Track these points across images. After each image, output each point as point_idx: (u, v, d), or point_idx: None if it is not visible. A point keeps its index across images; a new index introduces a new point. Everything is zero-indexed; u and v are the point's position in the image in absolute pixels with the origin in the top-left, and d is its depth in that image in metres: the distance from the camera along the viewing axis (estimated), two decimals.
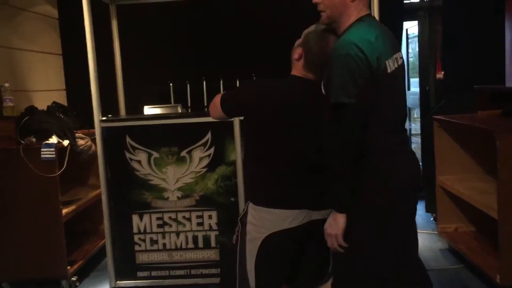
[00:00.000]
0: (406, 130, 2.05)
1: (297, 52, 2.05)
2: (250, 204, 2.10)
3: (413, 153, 2.01)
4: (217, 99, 2.17)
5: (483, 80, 3.72)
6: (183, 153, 3.10)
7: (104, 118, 3.15)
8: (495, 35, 4.10)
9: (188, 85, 4.00)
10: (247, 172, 2.16)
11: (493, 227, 2.88)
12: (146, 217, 3.18)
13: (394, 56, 1.88)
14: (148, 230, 3.19)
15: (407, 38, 5.49)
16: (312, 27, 2.04)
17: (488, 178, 3.50)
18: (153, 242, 3.20)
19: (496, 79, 3.96)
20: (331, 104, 1.75)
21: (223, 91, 3.80)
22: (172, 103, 3.96)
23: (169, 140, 3.10)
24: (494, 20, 4.13)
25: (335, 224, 1.81)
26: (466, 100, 3.69)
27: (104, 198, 3.17)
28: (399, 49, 1.97)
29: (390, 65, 1.84)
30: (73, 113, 3.58)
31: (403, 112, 1.98)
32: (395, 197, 1.85)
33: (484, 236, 3.50)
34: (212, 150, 3.10)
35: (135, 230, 3.19)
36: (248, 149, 2.18)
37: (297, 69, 2.07)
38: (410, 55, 5.71)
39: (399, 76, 1.92)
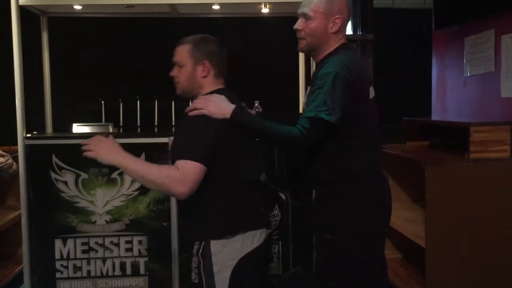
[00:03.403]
0: None
1: (200, 70, 1.92)
2: (211, 241, 1.92)
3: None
4: (183, 168, 1.77)
5: (411, 112, 3.89)
6: (114, 175, 2.96)
7: (28, 135, 2.95)
8: (423, 70, 4.34)
9: (121, 104, 3.87)
10: (196, 208, 1.93)
11: (419, 254, 2.98)
12: (70, 242, 2.98)
13: (371, 85, 1.97)
14: (72, 256, 2.99)
15: None
16: (189, 41, 1.95)
17: (415, 207, 3.63)
18: (77, 269, 3.00)
19: (423, 111, 4.17)
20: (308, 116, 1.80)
21: (158, 111, 3.71)
22: (103, 121, 3.81)
23: None
24: (422, 56, 4.38)
25: (220, 108, 1.82)
26: (395, 131, 3.84)
27: (24, 220, 2.94)
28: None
29: (371, 92, 1.94)
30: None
31: (380, 139, 2.06)
32: (385, 219, 2.01)
33: (410, 263, 3.61)
34: None
35: (57, 256, 2.98)
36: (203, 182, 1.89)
37: (211, 83, 1.95)
38: None
39: (375, 105, 2.01)
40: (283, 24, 3.82)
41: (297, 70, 3.52)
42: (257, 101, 3.22)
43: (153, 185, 1.81)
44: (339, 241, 1.91)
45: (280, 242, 3.11)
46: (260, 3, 3.14)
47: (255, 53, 4.10)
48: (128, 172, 1.82)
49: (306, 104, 1.90)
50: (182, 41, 1.95)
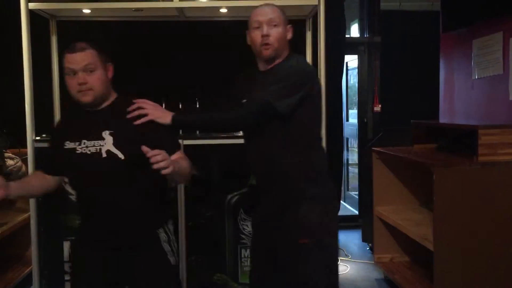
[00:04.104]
0: None
1: (110, 74, 1.93)
2: None
3: None
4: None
5: (418, 115, 3.88)
6: None
7: (38, 138, 2.97)
8: (431, 72, 4.33)
9: None
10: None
11: (427, 257, 2.97)
12: None
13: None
14: None
15: (347, 71, 5.67)
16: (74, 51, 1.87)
17: (423, 209, 3.62)
18: None
19: (431, 114, 4.16)
20: (263, 99, 1.92)
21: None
22: None
23: None
24: (430, 59, 4.36)
25: (163, 115, 1.87)
26: (402, 133, 3.83)
27: (33, 222, 2.96)
28: None
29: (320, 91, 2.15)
30: (2, 131, 3.36)
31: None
32: (335, 213, 2.18)
33: (418, 266, 3.59)
34: None
35: (66, 258, 3.00)
36: None
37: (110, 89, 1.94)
38: (349, 88, 5.90)
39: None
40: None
41: None
42: None
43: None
44: (317, 243, 1.96)
45: None
46: None
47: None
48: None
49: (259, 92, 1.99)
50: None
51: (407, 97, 4.84)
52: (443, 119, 4.05)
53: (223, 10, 3.15)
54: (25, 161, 3.15)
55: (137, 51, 3.99)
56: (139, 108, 1.85)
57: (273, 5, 2.08)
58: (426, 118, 3.90)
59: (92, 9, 3.09)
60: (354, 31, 5.54)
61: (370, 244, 4.29)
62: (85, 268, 1.92)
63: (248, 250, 3.08)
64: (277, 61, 2.06)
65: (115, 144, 1.81)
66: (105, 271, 1.89)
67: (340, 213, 5.04)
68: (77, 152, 1.83)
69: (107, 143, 1.81)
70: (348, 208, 5.61)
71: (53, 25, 3.31)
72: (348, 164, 5.95)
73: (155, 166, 1.61)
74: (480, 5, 3.41)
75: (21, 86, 2.90)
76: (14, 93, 3.12)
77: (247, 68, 2.21)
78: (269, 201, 2.09)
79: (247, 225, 3.08)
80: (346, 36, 4.98)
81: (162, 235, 1.94)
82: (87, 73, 1.82)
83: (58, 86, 3.40)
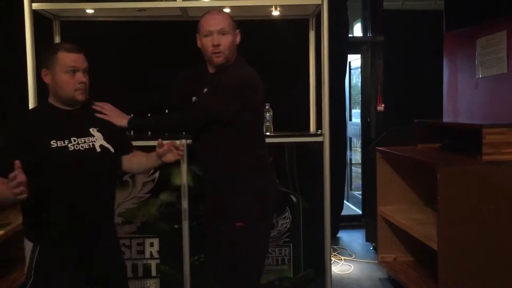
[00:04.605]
0: None
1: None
2: None
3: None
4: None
5: (422, 114, 3.87)
6: (126, 177, 2.98)
7: None
8: (434, 72, 4.32)
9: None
10: None
11: (431, 257, 2.96)
12: None
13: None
14: None
15: (350, 70, 5.67)
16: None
17: (427, 209, 3.61)
18: None
19: (434, 113, 4.15)
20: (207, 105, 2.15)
21: None
22: None
23: None
24: (433, 58, 4.35)
25: (120, 118, 2.11)
26: (406, 133, 3.82)
27: None
28: None
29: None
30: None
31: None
32: (272, 204, 2.35)
33: (422, 266, 3.59)
34: (156, 175, 2.99)
35: None
36: None
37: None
38: (352, 87, 5.89)
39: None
40: (293, 26, 3.82)
41: (307, 73, 3.52)
42: (267, 104, 3.22)
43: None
44: (250, 226, 2.17)
45: (291, 244, 3.11)
46: (270, 6, 3.14)
47: (265, 56, 4.11)
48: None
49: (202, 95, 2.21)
50: None
51: (411, 97, 4.83)
52: (447, 118, 4.04)
53: (227, 10, 3.15)
54: None
55: (140, 51, 3.99)
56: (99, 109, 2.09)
57: (223, 12, 2.26)
58: (429, 118, 3.89)
59: (95, 9, 3.09)
60: (357, 30, 5.53)
61: (373, 244, 4.28)
62: (59, 269, 1.91)
63: None
64: (226, 65, 2.21)
65: (105, 139, 1.99)
66: (80, 269, 1.92)
67: (343, 212, 5.05)
68: (70, 149, 1.89)
69: (98, 138, 1.97)
70: (351, 208, 5.60)
71: (57, 25, 3.32)
72: (351, 164, 5.94)
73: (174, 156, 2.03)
74: (483, 4, 3.40)
75: (25, 87, 2.90)
76: (18, 94, 3.12)
77: (197, 67, 2.36)
78: (212, 191, 2.31)
79: None
80: (349, 35, 4.97)
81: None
82: (84, 74, 1.97)
83: None
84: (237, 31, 2.24)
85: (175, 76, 2.69)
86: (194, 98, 2.35)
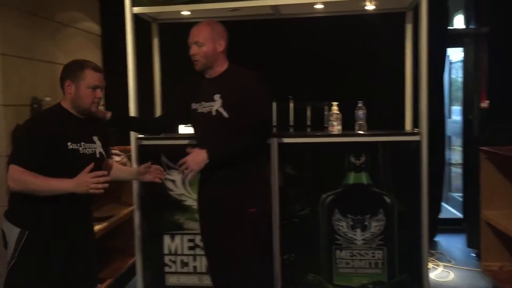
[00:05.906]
0: None
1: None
2: None
3: None
4: None
5: None
6: None
7: (141, 136, 3.13)
8: None
9: None
10: None
11: None
12: (177, 238, 3.12)
13: None
14: (179, 251, 3.13)
15: (449, 64, 5.35)
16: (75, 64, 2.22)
17: None
18: (184, 264, 3.13)
19: None
20: (259, 118, 2.38)
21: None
22: None
23: None
24: None
25: (199, 158, 2.32)
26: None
27: (136, 217, 3.13)
28: None
29: None
30: (112, 129, 3.56)
31: None
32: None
33: None
34: None
35: (166, 251, 3.13)
36: None
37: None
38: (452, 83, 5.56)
39: None
40: (389, 21, 3.67)
41: (403, 68, 3.36)
42: (361, 102, 3.13)
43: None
44: (260, 211, 2.46)
45: (385, 247, 3.00)
46: (364, 0, 3.04)
47: (359, 52, 3.99)
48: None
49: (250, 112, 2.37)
50: None
51: None
52: None
53: (319, 6, 3.10)
54: (129, 158, 3.33)
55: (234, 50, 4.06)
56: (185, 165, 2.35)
57: (202, 26, 2.46)
58: None
59: (191, 11, 3.17)
60: (459, 21, 5.19)
61: (476, 250, 4.00)
62: (52, 257, 2.14)
63: (343, 251, 3.01)
64: (219, 70, 2.48)
65: (102, 146, 2.28)
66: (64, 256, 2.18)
67: (442, 215, 4.78)
68: (80, 152, 2.17)
69: (98, 146, 2.26)
70: (450, 211, 5.28)
71: (155, 27, 3.46)
72: (450, 164, 5.61)
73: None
74: None
75: (126, 87, 3.06)
76: (119, 94, 3.30)
77: (192, 77, 2.58)
78: (219, 177, 2.47)
79: (342, 226, 3.00)
80: (449, 27, 4.69)
81: None
82: (102, 91, 2.26)
83: (160, 87, 3.56)
84: (222, 39, 2.45)
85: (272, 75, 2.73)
86: (194, 105, 2.51)
